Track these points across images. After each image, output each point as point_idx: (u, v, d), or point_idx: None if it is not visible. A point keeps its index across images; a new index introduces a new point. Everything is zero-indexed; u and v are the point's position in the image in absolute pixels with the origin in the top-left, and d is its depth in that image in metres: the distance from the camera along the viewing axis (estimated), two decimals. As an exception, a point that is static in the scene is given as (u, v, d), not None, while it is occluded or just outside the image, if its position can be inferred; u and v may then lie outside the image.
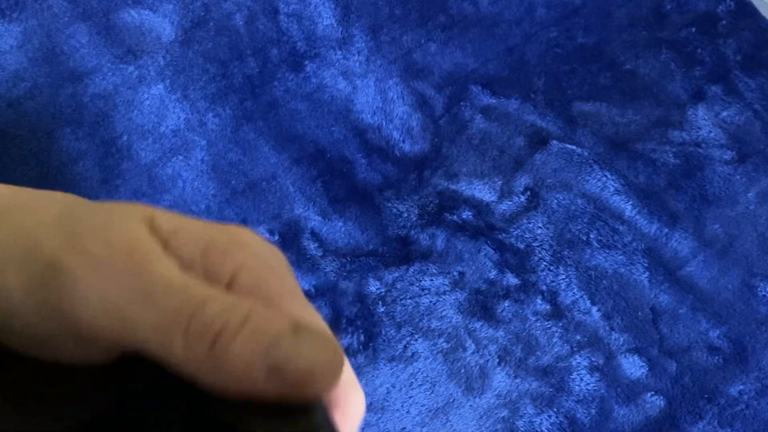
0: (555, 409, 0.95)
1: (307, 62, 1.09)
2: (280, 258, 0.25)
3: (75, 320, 0.22)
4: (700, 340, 0.96)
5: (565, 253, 1.01)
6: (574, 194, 1.04)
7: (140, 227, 0.24)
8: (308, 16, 1.11)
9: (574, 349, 0.97)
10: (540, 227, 1.02)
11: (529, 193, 1.04)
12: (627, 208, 1.03)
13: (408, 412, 0.92)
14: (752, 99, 1.14)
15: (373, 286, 0.98)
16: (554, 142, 1.08)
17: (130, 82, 1.02)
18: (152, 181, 0.98)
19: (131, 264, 0.23)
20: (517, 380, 0.95)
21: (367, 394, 0.95)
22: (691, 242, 1.01)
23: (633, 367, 0.95)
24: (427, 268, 1.00)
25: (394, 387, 0.93)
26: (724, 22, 1.21)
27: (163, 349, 0.22)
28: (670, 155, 1.09)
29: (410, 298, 0.99)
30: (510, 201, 1.04)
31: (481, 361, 0.96)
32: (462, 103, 1.11)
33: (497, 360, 0.96)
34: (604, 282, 0.99)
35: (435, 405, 0.93)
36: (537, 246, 1.01)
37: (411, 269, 1.00)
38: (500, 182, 1.06)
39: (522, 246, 1.01)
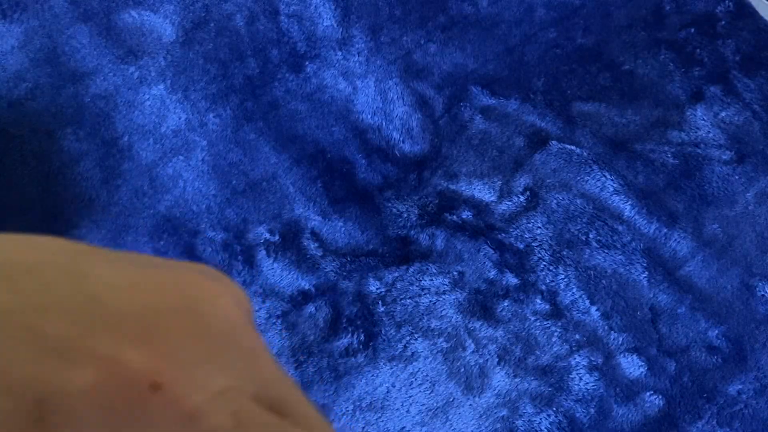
0: (554, 409, 0.95)
1: (307, 63, 1.09)
2: None
3: None
4: (698, 339, 0.96)
5: (565, 252, 1.01)
6: (574, 194, 1.05)
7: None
8: (308, 17, 1.11)
9: (574, 348, 0.97)
10: (539, 227, 1.02)
11: (528, 193, 1.05)
12: (626, 208, 1.04)
13: (408, 411, 0.92)
14: (751, 99, 1.15)
15: (373, 286, 0.99)
16: (554, 142, 1.09)
17: (130, 82, 1.03)
18: (153, 181, 0.98)
19: None
20: (517, 380, 0.96)
21: (367, 394, 0.95)
22: (689, 242, 1.02)
23: (632, 366, 0.96)
24: (427, 268, 1.00)
25: (394, 386, 0.93)
26: (723, 22, 1.21)
27: None
28: (669, 155, 1.09)
29: (410, 297, 0.99)
30: (509, 201, 1.05)
31: (481, 361, 0.96)
32: (462, 104, 1.12)
33: (497, 359, 0.97)
34: (603, 282, 0.99)
35: (435, 404, 0.93)
36: (536, 246, 1.01)
37: (411, 269, 1.00)
38: (500, 182, 1.06)
39: (521, 246, 1.02)
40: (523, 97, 1.13)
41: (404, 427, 0.88)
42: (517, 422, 0.94)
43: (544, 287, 1.00)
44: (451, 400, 0.94)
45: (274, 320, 0.95)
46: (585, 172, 1.07)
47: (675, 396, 0.93)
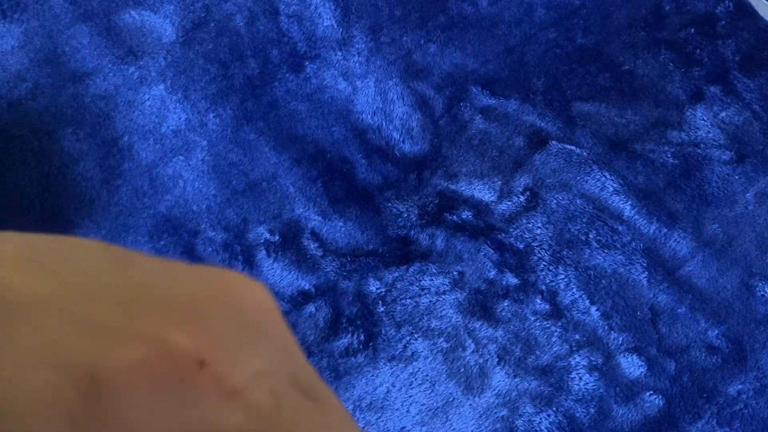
0: (554, 409, 0.95)
1: (307, 63, 1.09)
2: None
3: None
4: (698, 339, 0.96)
5: (565, 253, 1.01)
6: (574, 194, 1.05)
7: None
8: (308, 17, 1.11)
9: (573, 348, 0.97)
10: (539, 227, 1.02)
11: (528, 193, 1.05)
12: (626, 208, 1.04)
13: (408, 411, 0.92)
14: (751, 99, 1.15)
15: (373, 286, 0.99)
16: (553, 142, 1.09)
17: (131, 82, 1.03)
18: (153, 182, 0.98)
19: None
20: (517, 379, 0.96)
21: (367, 394, 0.95)
22: (689, 242, 1.02)
23: (632, 366, 0.96)
24: (427, 268, 1.00)
25: (394, 386, 0.94)
26: (723, 22, 1.21)
27: None
28: (669, 155, 1.09)
29: (410, 297, 0.99)
30: (509, 201, 1.05)
31: (481, 361, 0.96)
32: (462, 104, 1.12)
33: (497, 359, 0.97)
34: (603, 282, 0.99)
35: (435, 404, 0.93)
36: (536, 246, 1.01)
37: (411, 269, 1.00)
38: (500, 182, 1.06)
39: (521, 246, 1.02)
40: (523, 97, 1.13)
41: (404, 427, 0.88)
42: (517, 422, 0.94)
43: (544, 287, 1.00)
44: (451, 400, 0.94)
45: (274, 320, 0.95)
46: (585, 172, 1.07)
47: (675, 396, 0.93)
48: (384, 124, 1.08)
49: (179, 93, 1.03)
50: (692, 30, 1.20)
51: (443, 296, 0.99)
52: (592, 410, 0.94)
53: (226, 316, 0.25)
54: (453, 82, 1.13)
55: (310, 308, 0.97)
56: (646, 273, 0.99)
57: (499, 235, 1.02)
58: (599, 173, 1.07)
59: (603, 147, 1.09)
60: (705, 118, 1.13)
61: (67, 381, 0.22)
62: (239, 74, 1.07)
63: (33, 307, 0.23)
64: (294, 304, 0.97)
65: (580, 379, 0.96)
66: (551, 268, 1.01)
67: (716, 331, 0.97)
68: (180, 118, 1.02)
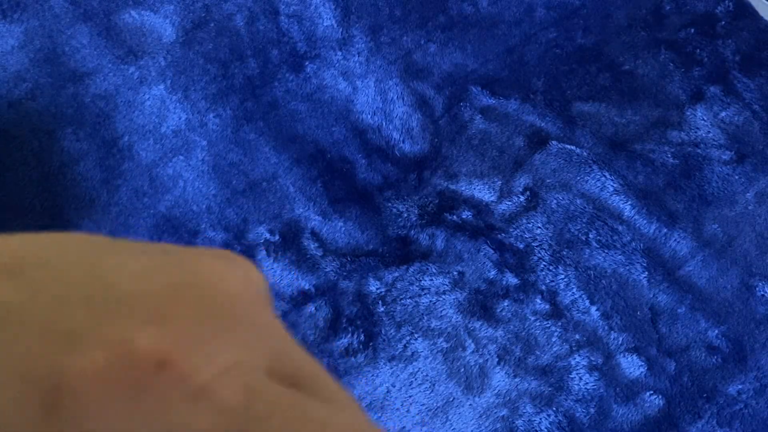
0: (554, 408, 0.95)
1: (307, 63, 1.09)
2: None
3: None
4: (698, 339, 0.96)
5: (565, 252, 1.01)
6: (574, 194, 1.05)
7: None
8: (308, 17, 1.11)
9: (573, 348, 0.97)
10: (539, 227, 1.02)
11: (528, 193, 1.05)
12: (626, 208, 1.04)
13: (408, 411, 0.92)
14: (751, 99, 1.15)
15: (373, 286, 0.99)
16: (553, 142, 1.09)
17: (131, 82, 1.03)
18: (153, 182, 0.98)
19: None
20: (517, 379, 0.96)
21: (367, 394, 0.95)
22: (689, 242, 1.02)
23: (632, 366, 0.96)
24: (427, 268, 1.00)
25: (394, 386, 0.94)
26: (722, 22, 1.21)
27: None
28: (669, 155, 1.09)
29: (410, 297, 0.99)
30: (509, 201, 1.05)
31: (481, 361, 0.96)
32: (462, 104, 1.12)
33: (497, 359, 0.97)
34: (603, 282, 0.99)
35: (435, 404, 0.93)
36: (536, 246, 1.01)
37: (411, 269, 1.00)
38: (500, 182, 1.06)
39: (521, 246, 1.02)
40: (523, 97, 1.13)
41: (404, 427, 0.88)
42: (517, 422, 0.94)
43: (544, 287, 1.00)
44: (451, 399, 0.94)
45: (274, 320, 0.95)
46: (585, 172, 1.07)
47: (675, 396, 0.93)
48: (384, 124, 1.08)
49: (179, 93, 1.03)
50: (692, 30, 1.20)
51: (443, 296, 0.99)
52: (592, 410, 0.94)
53: (194, 308, 0.24)
54: (453, 82, 1.13)
55: (310, 308, 0.97)
56: (646, 273, 0.99)
57: (499, 235, 1.02)
58: (599, 173, 1.07)
59: (603, 147, 1.09)
60: (705, 118, 1.13)
61: (33, 394, 0.22)
62: (239, 74, 1.07)
63: (4, 318, 0.23)
64: (294, 304, 0.97)
65: (580, 379, 0.96)
66: (551, 268, 1.01)
67: (716, 331, 0.97)
68: (180, 118, 1.02)
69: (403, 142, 1.07)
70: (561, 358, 0.97)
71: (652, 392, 0.94)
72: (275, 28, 1.10)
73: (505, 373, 0.96)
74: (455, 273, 1.00)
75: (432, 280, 1.00)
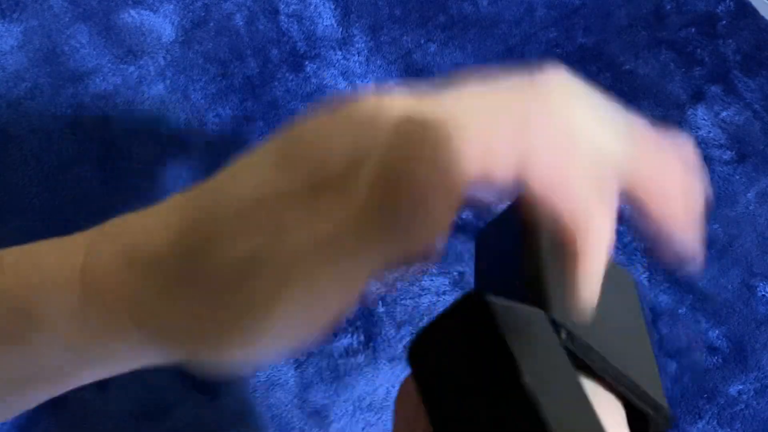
0: (555, 409, 0.95)
1: (307, 62, 1.09)
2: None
3: None
4: (699, 340, 0.96)
5: (565, 253, 1.01)
6: (574, 194, 1.05)
7: None
8: (308, 17, 1.11)
9: (574, 348, 0.97)
10: (540, 227, 1.02)
11: (528, 193, 1.05)
12: (627, 208, 1.03)
13: (408, 411, 0.92)
14: (752, 99, 1.15)
15: (374, 286, 0.98)
16: (554, 142, 1.09)
17: (130, 82, 1.02)
18: (152, 182, 0.98)
19: None
20: (517, 380, 0.96)
21: (367, 394, 0.95)
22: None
23: (632, 366, 0.96)
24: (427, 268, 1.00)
25: (394, 387, 0.93)
26: (723, 22, 1.21)
27: None
28: (670, 155, 1.09)
29: (410, 298, 0.99)
30: (510, 201, 1.04)
31: (481, 361, 0.96)
32: (462, 104, 1.11)
33: (497, 360, 0.96)
34: (604, 282, 0.99)
35: (435, 405, 0.93)
36: (537, 246, 1.01)
37: (411, 269, 1.00)
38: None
39: (522, 246, 1.01)
40: (524, 96, 1.13)
41: (404, 428, 0.88)
42: (517, 423, 0.94)
43: (544, 287, 1.00)
44: (451, 400, 0.94)
45: (274, 320, 0.95)
46: (585, 172, 1.07)
47: (675, 396, 0.93)
48: (384, 123, 1.08)
49: (179, 92, 1.03)
50: (693, 29, 1.20)
51: (443, 296, 0.99)
52: (592, 411, 0.94)
53: None
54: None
55: (310, 308, 0.96)
56: (647, 273, 0.99)
57: (499, 235, 1.02)
58: (600, 173, 1.06)
59: (603, 147, 1.09)
60: (706, 118, 1.12)
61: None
62: (239, 74, 1.06)
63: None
64: (294, 304, 0.96)
65: (581, 379, 0.96)
66: (552, 268, 1.00)
67: (717, 332, 0.97)
68: (179, 118, 1.02)
69: (403, 141, 1.07)
70: (561, 359, 0.97)
71: (652, 393, 0.94)
72: (275, 27, 1.10)
73: (506, 373, 0.96)
74: (455, 273, 1.00)
75: (432, 280, 1.00)
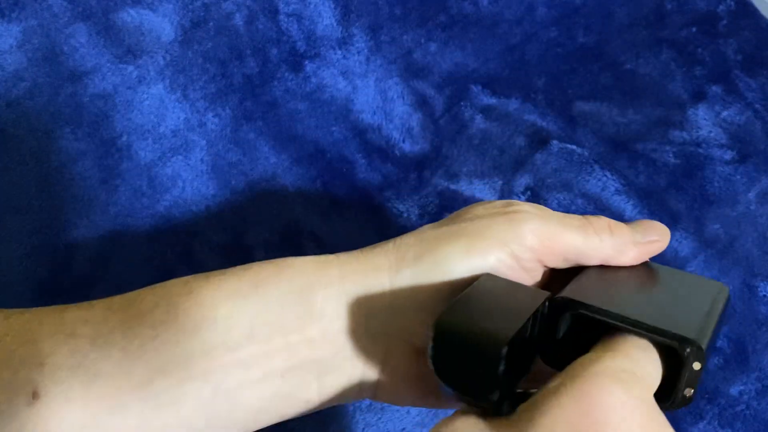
0: (555, 410, 0.94)
1: (306, 62, 1.09)
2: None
3: None
4: (700, 340, 0.96)
5: (566, 253, 1.00)
6: (575, 194, 1.04)
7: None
8: (308, 16, 1.11)
9: (575, 349, 0.97)
10: (540, 227, 1.02)
11: (529, 192, 1.04)
12: (627, 208, 1.03)
13: (408, 412, 0.92)
14: (753, 99, 1.14)
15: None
16: (555, 141, 1.08)
17: (129, 81, 1.02)
18: (152, 181, 0.98)
19: None
20: (517, 380, 0.95)
21: (367, 395, 0.95)
22: (691, 242, 1.01)
23: (633, 367, 0.96)
24: (427, 268, 1.00)
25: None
26: (724, 21, 1.21)
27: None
28: (671, 155, 1.09)
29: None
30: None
31: (481, 362, 0.96)
32: (462, 103, 1.11)
33: (497, 360, 0.96)
34: (605, 282, 0.99)
35: (435, 405, 0.93)
36: (537, 246, 1.01)
37: None
38: (500, 182, 1.06)
39: (522, 246, 1.01)
40: (524, 96, 1.13)
41: (404, 428, 0.88)
42: (517, 423, 0.94)
43: (544, 287, 1.00)
44: (451, 401, 0.93)
45: (274, 321, 0.94)
46: (586, 172, 1.06)
47: (676, 397, 0.92)
48: (384, 123, 1.08)
49: (178, 92, 1.03)
50: (694, 29, 1.20)
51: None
52: (593, 411, 0.94)
53: None
54: (453, 81, 1.13)
55: (310, 309, 0.96)
56: (648, 273, 0.99)
57: (499, 235, 1.01)
58: (600, 173, 1.06)
59: (604, 146, 1.09)
60: (707, 118, 1.12)
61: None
62: (238, 73, 1.06)
63: None
64: (293, 304, 0.96)
65: (581, 380, 0.95)
66: (552, 268, 1.00)
67: (718, 332, 0.96)
68: (179, 118, 1.02)
69: (403, 141, 1.07)
70: (562, 359, 0.97)
71: (653, 393, 0.94)
72: (275, 27, 1.10)
73: (506, 373, 0.96)
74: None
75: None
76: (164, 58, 1.04)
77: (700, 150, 1.09)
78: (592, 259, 0.47)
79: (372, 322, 0.43)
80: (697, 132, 1.11)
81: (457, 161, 1.06)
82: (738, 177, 1.07)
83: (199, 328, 0.41)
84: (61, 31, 1.03)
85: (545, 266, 0.47)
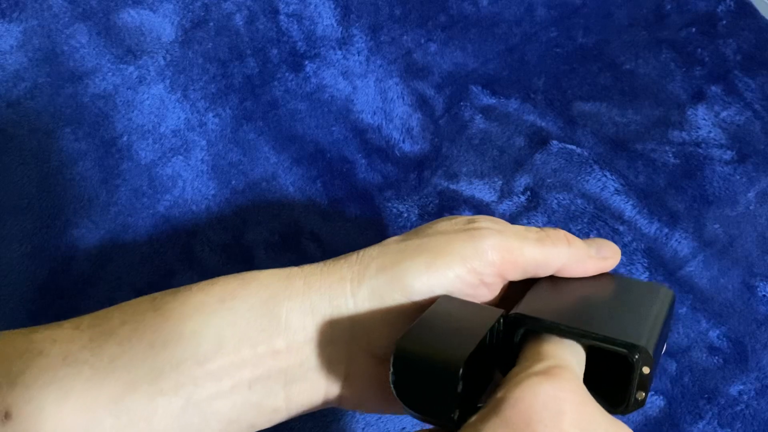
0: (555, 409, 0.94)
1: (307, 62, 1.09)
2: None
3: None
4: (699, 340, 0.96)
5: (565, 253, 1.00)
6: (574, 194, 1.05)
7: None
8: (308, 16, 1.11)
9: (574, 349, 0.97)
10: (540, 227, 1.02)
11: (529, 193, 1.05)
12: (627, 208, 1.03)
13: (408, 412, 0.92)
14: (752, 99, 1.14)
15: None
16: (554, 142, 1.09)
17: (130, 82, 1.02)
18: (152, 181, 0.98)
19: None
20: (517, 380, 0.95)
21: (367, 394, 0.95)
22: (691, 242, 1.01)
23: (633, 367, 0.96)
24: (427, 268, 1.00)
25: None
26: (724, 22, 1.21)
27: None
28: (670, 155, 1.09)
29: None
30: (510, 201, 1.04)
31: (481, 361, 0.96)
32: (462, 103, 1.11)
33: (497, 360, 0.96)
34: (604, 282, 0.99)
35: (435, 405, 0.93)
36: (537, 246, 1.01)
37: None
38: (500, 182, 1.06)
39: (522, 246, 1.01)
40: (524, 96, 1.13)
41: (404, 428, 0.88)
42: (517, 423, 0.94)
43: (544, 287, 0.99)
44: (451, 400, 0.93)
45: (274, 321, 0.94)
46: (586, 172, 1.06)
47: (676, 396, 0.92)
48: (384, 123, 1.08)
49: (178, 92, 1.03)
50: (693, 29, 1.20)
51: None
52: (592, 411, 0.94)
53: None
54: (453, 81, 1.13)
55: (310, 308, 0.96)
56: (647, 273, 0.99)
57: (499, 235, 1.01)
58: (600, 173, 1.06)
59: (604, 147, 1.09)
60: (706, 118, 1.12)
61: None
62: (238, 74, 1.06)
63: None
64: (294, 304, 0.96)
65: (581, 379, 0.95)
66: (552, 268, 1.00)
67: (717, 332, 0.96)
68: (179, 118, 1.02)
69: (403, 141, 1.07)
70: (562, 359, 0.97)
71: (653, 393, 0.94)
72: (275, 27, 1.10)
73: (506, 373, 0.96)
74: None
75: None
76: (165, 58, 1.04)
77: (700, 150, 1.09)
78: (550, 270, 0.49)
79: (336, 333, 0.45)
80: (697, 132, 1.11)
81: (457, 161, 1.06)
82: (737, 177, 1.07)
83: (168, 343, 0.42)
84: (62, 31, 1.03)
85: (505, 279, 0.48)
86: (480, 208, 1.04)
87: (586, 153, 1.08)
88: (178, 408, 0.41)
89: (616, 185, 1.05)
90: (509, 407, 0.35)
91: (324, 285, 0.45)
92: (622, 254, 1.05)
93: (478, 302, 0.48)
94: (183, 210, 0.97)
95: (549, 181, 1.05)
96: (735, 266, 1.00)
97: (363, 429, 0.87)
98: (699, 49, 1.18)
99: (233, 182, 1.00)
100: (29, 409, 0.38)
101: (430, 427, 0.42)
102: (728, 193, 1.05)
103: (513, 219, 1.03)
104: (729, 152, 1.09)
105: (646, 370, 0.42)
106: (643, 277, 0.99)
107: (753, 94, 1.15)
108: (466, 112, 1.10)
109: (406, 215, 1.02)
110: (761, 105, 1.14)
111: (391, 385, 0.40)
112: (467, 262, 0.44)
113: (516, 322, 0.44)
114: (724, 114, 1.12)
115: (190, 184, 0.98)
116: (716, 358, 0.94)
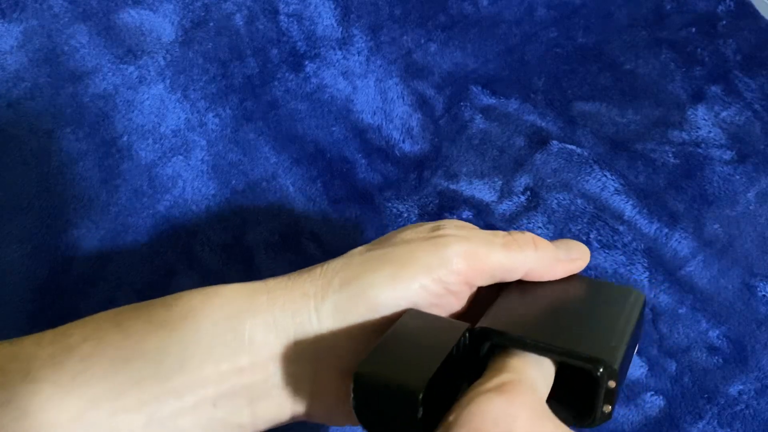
0: (555, 409, 0.94)
1: (307, 62, 1.09)
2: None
3: None
4: (699, 340, 0.96)
5: (565, 253, 1.00)
6: (574, 194, 1.05)
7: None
8: (308, 17, 1.11)
9: (574, 349, 0.97)
10: (540, 227, 1.02)
11: (529, 193, 1.05)
12: (627, 208, 1.03)
13: (408, 412, 0.92)
14: (752, 99, 1.15)
15: None
16: (554, 142, 1.09)
17: (130, 82, 1.02)
18: (152, 181, 0.98)
19: None
20: (517, 380, 0.95)
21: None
22: (690, 242, 1.01)
23: (633, 366, 0.96)
24: (427, 268, 1.00)
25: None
26: (723, 22, 1.21)
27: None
28: (670, 155, 1.09)
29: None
30: (510, 201, 1.04)
31: (481, 361, 0.96)
32: (462, 103, 1.11)
33: (497, 360, 0.96)
34: (604, 282, 0.99)
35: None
36: (537, 246, 1.01)
37: (411, 269, 0.99)
38: (500, 182, 1.06)
39: (522, 246, 1.01)
40: (524, 96, 1.13)
41: (404, 428, 0.88)
42: (517, 423, 0.94)
43: (544, 287, 0.99)
44: (451, 400, 0.94)
45: (274, 320, 0.94)
46: (586, 172, 1.07)
47: (676, 396, 0.93)
48: (384, 123, 1.08)
49: (178, 92, 1.03)
50: (693, 29, 1.20)
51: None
52: (592, 411, 0.94)
53: None
54: (453, 81, 1.13)
55: (310, 308, 0.96)
56: (647, 273, 0.99)
57: (499, 235, 1.01)
58: (600, 173, 1.06)
59: (604, 147, 1.09)
60: (706, 118, 1.12)
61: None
62: (239, 74, 1.06)
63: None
64: (294, 304, 0.96)
65: (581, 379, 0.95)
66: (552, 268, 1.00)
67: (717, 332, 0.97)
68: (179, 118, 1.02)
69: (403, 141, 1.07)
70: (561, 359, 0.97)
71: (652, 393, 0.94)
72: (275, 27, 1.10)
73: (506, 373, 0.96)
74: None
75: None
76: (165, 58, 1.04)
77: (700, 150, 1.09)
78: (518, 275, 0.49)
79: (300, 350, 0.44)
80: (697, 132, 1.11)
81: (457, 161, 1.06)
82: (737, 177, 1.07)
83: (129, 360, 0.42)
84: (62, 31, 1.03)
85: (473, 286, 0.47)
86: (480, 208, 1.04)
87: (586, 153, 1.08)
88: (140, 425, 0.41)
89: (616, 185, 1.05)
90: (460, 427, 0.34)
91: (288, 301, 0.44)
92: (622, 254, 1.05)
93: (446, 313, 0.48)
94: (183, 210, 0.97)
95: (549, 181, 1.06)
96: (735, 266, 1.00)
97: (363, 429, 0.87)
98: (699, 49, 1.18)
99: (233, 182, 1.00)
100: None
101: None
102: (728, 193, 1.05)
103: (513, 219, 1.03)
104: (729, 152, 1.09)
105: (611, 384, 0.41)
106: (644, 277, 0.99)
107: (753, 94, 1.15)
108: (466, 112, 1.11)
109: (406, 215, 1.02)
110: (761, 105, 1.14)
111: (353, 410, 0.39)
112: (432, 272, 0.44)
113: (481, 336, 0.43)
114: (724, 114, 1.13)
115: (190, 184, 0.98)
116: (716, 358, 0.94)
